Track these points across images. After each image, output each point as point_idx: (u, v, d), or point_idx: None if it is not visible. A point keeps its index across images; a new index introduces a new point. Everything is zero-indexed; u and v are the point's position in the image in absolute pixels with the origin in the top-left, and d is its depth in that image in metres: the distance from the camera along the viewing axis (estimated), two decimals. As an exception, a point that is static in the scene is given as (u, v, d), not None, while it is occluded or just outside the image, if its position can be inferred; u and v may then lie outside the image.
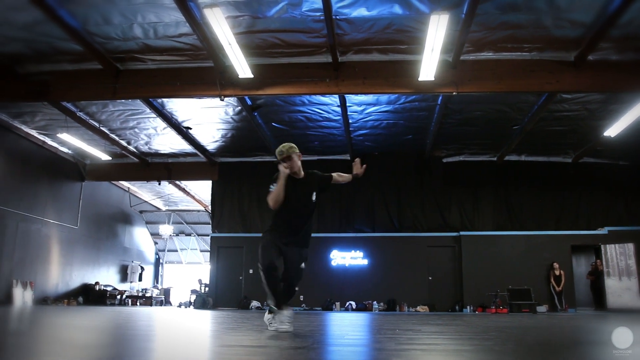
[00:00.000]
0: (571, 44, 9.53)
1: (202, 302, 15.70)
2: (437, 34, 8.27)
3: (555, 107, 12.17)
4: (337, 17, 8.89)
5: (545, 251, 14.87)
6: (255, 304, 15.34)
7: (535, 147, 15.25)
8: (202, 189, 19.97)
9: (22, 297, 13.83)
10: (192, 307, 16.54)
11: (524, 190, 16.06)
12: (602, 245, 14.66)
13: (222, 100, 11.02)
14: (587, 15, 8.62)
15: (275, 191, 4.21)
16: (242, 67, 9.74)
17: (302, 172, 4.44)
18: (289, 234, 4.32)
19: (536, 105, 12.00)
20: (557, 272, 14.50)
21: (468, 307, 14.71)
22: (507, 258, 14.98)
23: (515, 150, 15.51)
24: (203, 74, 10.66)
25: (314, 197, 4.34)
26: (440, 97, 11.71)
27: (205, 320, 7.25)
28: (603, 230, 15.07)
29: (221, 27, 8.39)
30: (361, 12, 8.73)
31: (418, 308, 14.91)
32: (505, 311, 13.45)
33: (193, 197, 21.24)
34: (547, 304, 14.34)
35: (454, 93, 10.39)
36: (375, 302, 15.19)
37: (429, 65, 9.37)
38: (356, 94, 11.15)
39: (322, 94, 11.24)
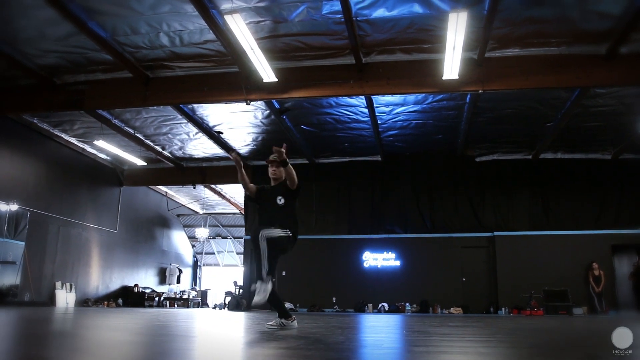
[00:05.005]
0: (601, 36, 9.22)
1: (235, 303, 15.94)
2: (457, 31, 8.18)
3: (590, 103, 11.80)
4: (358, 18, 8.90)
5: (584, 251, 14.40)
6: (288, 305, 15.43)
7: (572, 144, 14.81)
8: (238, 191, 20.28)
9: (64, 298, 14.40)
10: (226, 308, 16.82)
11: (561, 189, 15.59)
12: (644, 245, 14.09)
13: (248, 104, 11.21)
14: (616, 6, 8.34)
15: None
16: (265, 71, 9.88)
17: (280, 181, 5.09)
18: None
19: (569, 101, 11.66)
20: (596, 273, 14.03)
21: (503, 308, 14.40)
22: (543, 258, 14.59)
23: (551, 148, 15.10)
24: (229, 79, 10.86)
25: (278, 200, 4.96)
26: (469, 96, 11.54)
27: (235, 321, 7.38)
28: (645, 229, 14.48)
29: (242, 32, 8.53)
30: (381, 12, 8.71)
31: (451, 310, 14.69)
32: (540, 313, 13.11)
33: (229, 200, 21.61)
34: (586, 306, 13.89)
35: (480, 91, 10.22)
36: (407, 304, 15.07)
37: (452, 64, 9.26)
38: (381, 94, 11.12)
39: (347, 96, 11.27)
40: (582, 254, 14.38)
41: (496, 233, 15.29)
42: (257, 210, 5.46)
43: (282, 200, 4.93)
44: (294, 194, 4.98)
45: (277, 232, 4.71)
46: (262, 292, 4.53)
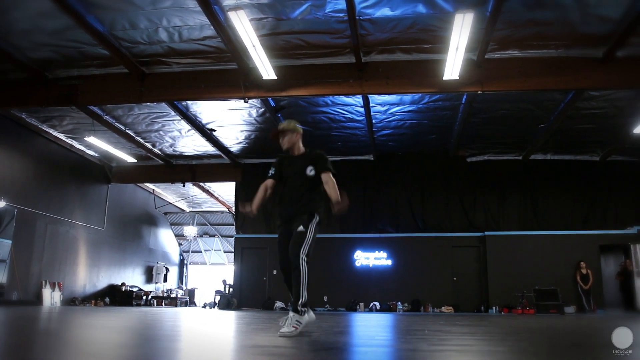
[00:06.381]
0: (599, 40, 9.35)
1: (226, 302, 15.81)
2: (461, 32, 8.21)
3: (583, 105, 11.96)
4: (361, 17, 8.87)
5: (572, 251, 14.61)
6: (279, 304, 15.39)
7: (562, 145, 15.02)
8: (226, 190, 20.12)
9: (51, 297, 14.11)
10: (216, 307, 16.68)
11: (551, 190, 15.82)
12: (631, 245, 14.35)
13: (247, 102, 11.11)
14: (616, 10, 8.45)
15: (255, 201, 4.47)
16: (265, 68, 9.80)
17: (301, 150, 4.45)
18: (286, 208, 4.29)
19: (563, 103, 11.82)
20: (584, 271, 14.25)
21: (494, 307, 14.54)
22: (533, 258, 14.77)
23: (541, 149, 15.29)
24: (227, 76, 10.75)
25: (308, 171, 4.23)
26: (465, 96, 11.62)
27: (230, 320, 7.30)
28: (632, 230, 14.75)
29: (245, 29, 8.46)
30: (385, 12, 8.70)
31: (443, 309, 14.79)
32: (532, 312, 13.27)
33: (217, 198, 21.43)
34: (575, 305, 14.09)
35: (479, 92, 10.29)
36: (399, 303, 15.12)
37: (453, 64, 9.30)
38: (380, 94, 11.13)
39: (346, 95, 11.24)
40: (570, 254, 14.57)
41: (487, 233, 15.42)
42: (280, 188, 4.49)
43: (313, 171, 4.19)
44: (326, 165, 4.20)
45: (310, 235, 4.00)
46: (293, 325, 3.76)
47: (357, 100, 12.07)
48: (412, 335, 3.84)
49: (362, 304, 15.35)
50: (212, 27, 9.04)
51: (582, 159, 15.74)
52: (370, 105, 12.38)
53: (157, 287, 20.72)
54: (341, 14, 8.80)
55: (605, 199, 15.58)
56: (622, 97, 11.51)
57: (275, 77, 10.16)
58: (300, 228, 4.00)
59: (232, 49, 9.74)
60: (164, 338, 3.73)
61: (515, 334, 4.32)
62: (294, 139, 4.40)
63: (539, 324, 6.20)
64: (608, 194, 15.59)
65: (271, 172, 4.50)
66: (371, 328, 5.22)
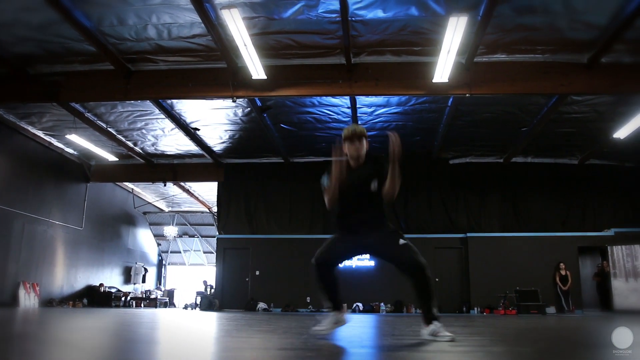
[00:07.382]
0: (585, 46, 9.55)
1: (208, 303, 15.65)
2: (454, 36, 8.29)
3: (565, 109, 12.19)
4: (353, 18, 8.88)
5: (551, 252, 14.89)
6: (262, 305, 15.30)
7: (542, 149, 15.29)
8: (206, 190, 19.91)
9: (28, 299, 13.75)
10: (197, 308, 16.49)
11: (531, 192, 16.10)
12: (608, 247, 14.70)
13: (234, 101, 11.02)
14: (603, 17, 8.63)
15: (329, 188, 3.67)
16: (256, 68, 9.73)
17: (362, 160, 3.71)
18: (350, 231, 3.76)
19: (546, 107, 12.03)
20: (563, 272, 14.54)
21: (475, 308, 14.72)
22: (513, 259, 15.00)
23: (522, 152, 15.53)
24: (215, 75, 10.63)
25: (373, 186, 3.61)
26: (451, 99, 11.72)
27: (223, 322, 7.21)
28: (609, 232, 15.11)
29: (237, 28, 8.38)
30: (377, 13, 8.73)
31: (425, 309, 14.87)
32: (514, 312, 13.46)
33: (197, 198, 21.19)
34: (554, 305, 14.36)
35: (467, 95, 10.40)
36: (382, 304, 15.19)
37: (443, 67, 9.38)
38: (369, 95, 11.16)
39: (335, 96, 11.24)
40: (550, 255, 14.85)
41: (469, 234, 15.61)
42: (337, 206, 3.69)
43: (376, 186, 3.58)
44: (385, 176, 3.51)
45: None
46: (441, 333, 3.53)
47: (344, 101, 12.07)
48: (421, 336, 3.83)
49: (345, 305, 15.28)
50: (202, 24, 8.94)
51: (562, 162, 16.05)
52: (357, 106, 12.39)
53: (135, 288, 20.38)
54: (333, 15, 8.80)
55: (583, 202, 15.93)
56: (603, 102, 11.77)
57: (265, 77, 10.09)
58: (402, 241, 3.60)
59: (222, 47, 9.65)
60: (176, 338, 3.66)
61: (520, 334, 4.36)
62: (362, 151, 3.68)
63: (534, 324, 6.29)
64: (586, 196, 15.94)
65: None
66: (371, 329, 5.22)
